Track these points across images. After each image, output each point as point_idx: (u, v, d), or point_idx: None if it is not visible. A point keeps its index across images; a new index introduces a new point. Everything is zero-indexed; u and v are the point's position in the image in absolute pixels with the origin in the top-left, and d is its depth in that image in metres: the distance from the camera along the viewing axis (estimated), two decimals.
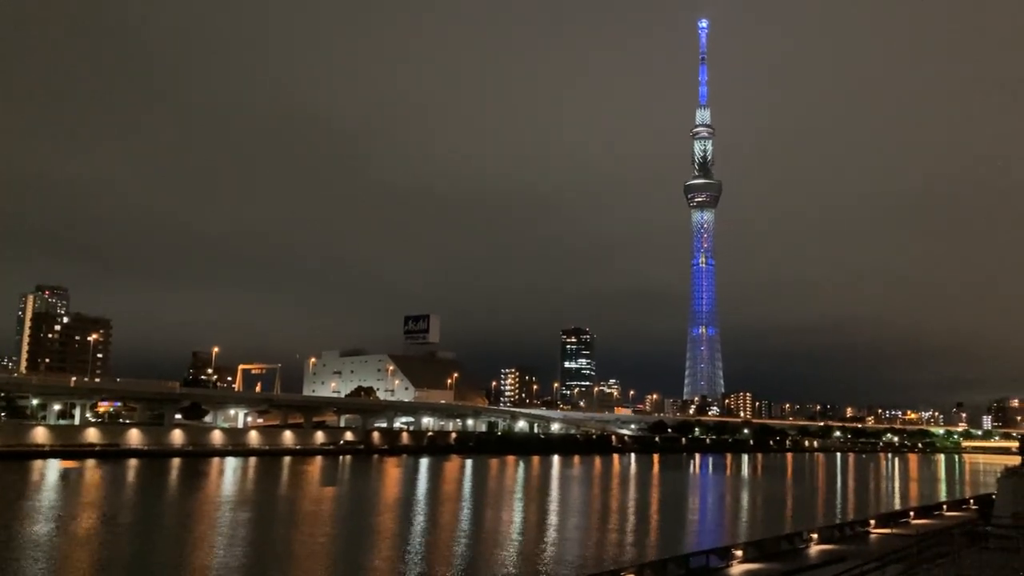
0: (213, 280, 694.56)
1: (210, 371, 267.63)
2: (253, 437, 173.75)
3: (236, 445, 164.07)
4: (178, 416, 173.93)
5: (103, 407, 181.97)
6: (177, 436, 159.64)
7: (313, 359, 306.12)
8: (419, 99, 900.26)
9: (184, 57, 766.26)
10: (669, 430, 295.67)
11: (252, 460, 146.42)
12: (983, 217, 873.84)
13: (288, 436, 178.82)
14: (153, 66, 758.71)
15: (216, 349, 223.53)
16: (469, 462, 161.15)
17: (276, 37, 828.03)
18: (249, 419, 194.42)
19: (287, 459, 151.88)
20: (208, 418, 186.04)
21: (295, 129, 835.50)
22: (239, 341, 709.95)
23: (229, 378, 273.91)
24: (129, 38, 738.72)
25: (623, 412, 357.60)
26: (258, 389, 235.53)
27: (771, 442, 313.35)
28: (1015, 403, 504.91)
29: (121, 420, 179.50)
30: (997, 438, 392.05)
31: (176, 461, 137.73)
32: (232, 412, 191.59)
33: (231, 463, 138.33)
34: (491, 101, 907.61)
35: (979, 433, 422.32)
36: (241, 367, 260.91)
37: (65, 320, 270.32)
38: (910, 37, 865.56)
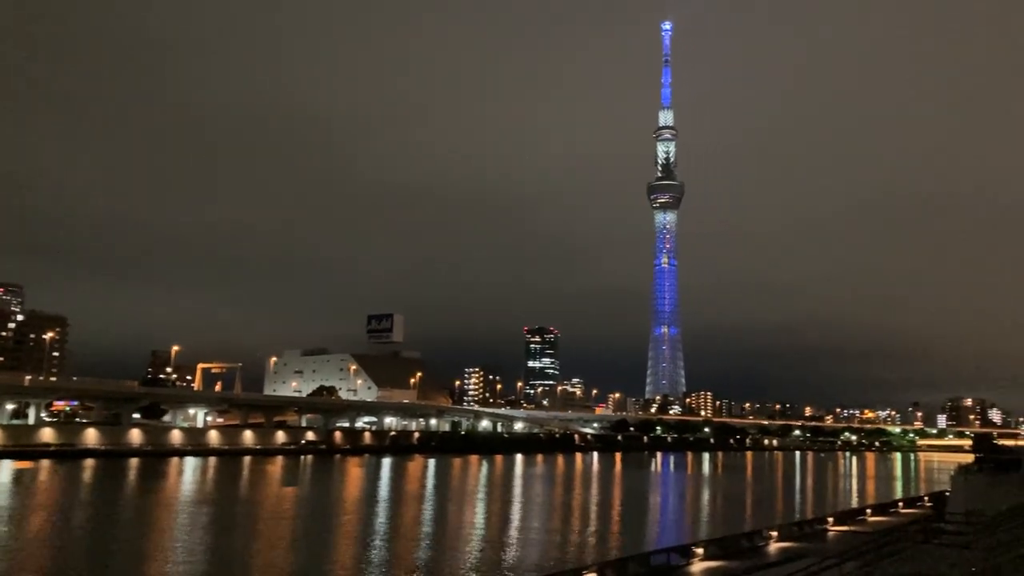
0: (173, 278, 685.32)
1: (169, 370, 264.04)
2: (213, 437, 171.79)
3: (196, 445, 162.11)
4: (136, 416, 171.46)
5: (58, 406, 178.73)
6: (135, 436, 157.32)
7: (274, 358, 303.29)
8: (382, 98, 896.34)
9: (156, 55, 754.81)
10: (631, 429, 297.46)
11: (212, 460, 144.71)
12: (941, 224, 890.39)
13: (248, 436, 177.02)
14: (118, 62, 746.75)
15: (176, 348, 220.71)
16: (432, 462, 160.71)
17: (244, 31, 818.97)
18: (209, 419, 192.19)
19: (247, 459, 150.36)
20: (167, 418, 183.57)
21: (254, 126, 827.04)
22: (199, 340, 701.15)
23: (189, 377, 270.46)
24: (107, 35, 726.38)
25: (587, 412, 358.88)
26: (218, 388, 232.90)
27: (731, 441, 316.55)
28: (968, 402, 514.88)
29: (77, 420, 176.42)
30: (951, 437, 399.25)
31: (134, 461, 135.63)
32: (192, 412, 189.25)
33: (190, 463, 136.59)
34: (456, 103, 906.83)
35: (934, 432, 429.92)
36: (201, 366, 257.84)
37: (20, 318, 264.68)
38: (875, 43, 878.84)
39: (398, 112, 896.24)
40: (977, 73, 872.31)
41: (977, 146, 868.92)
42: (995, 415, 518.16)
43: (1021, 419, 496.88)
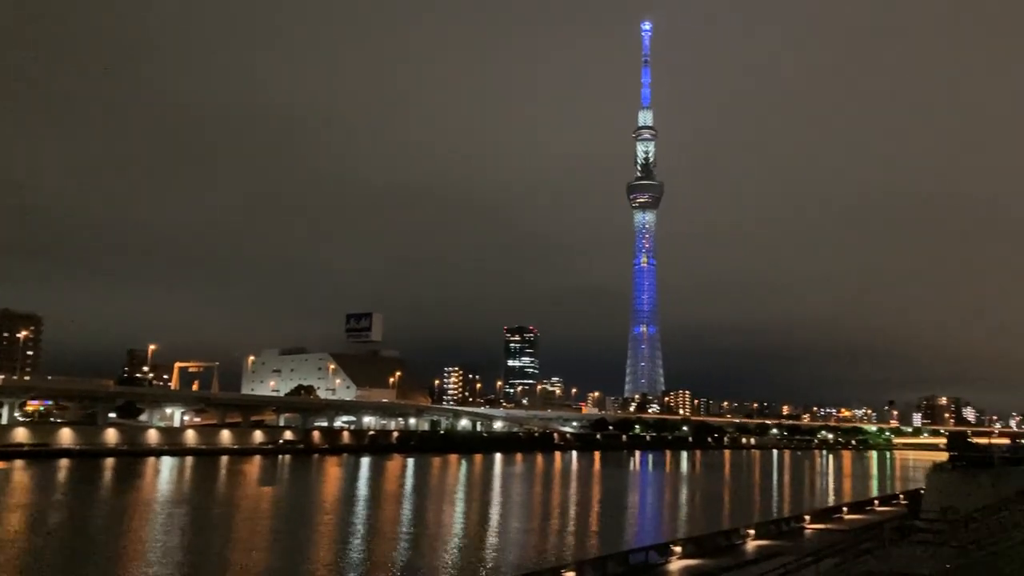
0: (150, 277, 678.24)
1: (146, 369, 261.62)
2: (190, 436, 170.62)
3: (172, 444, 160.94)
4: (112, 415, 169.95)
5: (32, 406, 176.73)
6: (111, 435, 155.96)
7: (252, 357, 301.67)
8: (363, 95, 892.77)
9: (132, 50, 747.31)
10: (610, 428, 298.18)
11: (189, 460, 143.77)
12: (917, 225, 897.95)
13: (226, 435, 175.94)
14: (101, 58, 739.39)
15: (153, 347, 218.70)
16: (411, 461, 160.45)
17: (213, 26, 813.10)
18: (186, 418, 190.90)
19: (225, 459, 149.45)
20: (144, 417, 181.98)
21: (231, 125, 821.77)
22: (176, 339, 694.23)
23: (166, 376, 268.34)
24: (97, 30, 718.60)
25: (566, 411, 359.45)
26: (195, 388, 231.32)
27: (709, 439, 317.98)
28: (943, 401, 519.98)
29: (52, 419, 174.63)
30: (926, 435, 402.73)
31: (110, 461, 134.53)
32: (168, 411, 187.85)
33: (167, 463, 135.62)
34: (436, 101, 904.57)
35: (909, 430, 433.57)
36: (178, 365, 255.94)
37: None
38: (855, 44, 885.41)
39: (377, 111, 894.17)
40: (936, 73, 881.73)
41: (951, 147, 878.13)
42: (969, 413, 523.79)
43: (995, 417, 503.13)
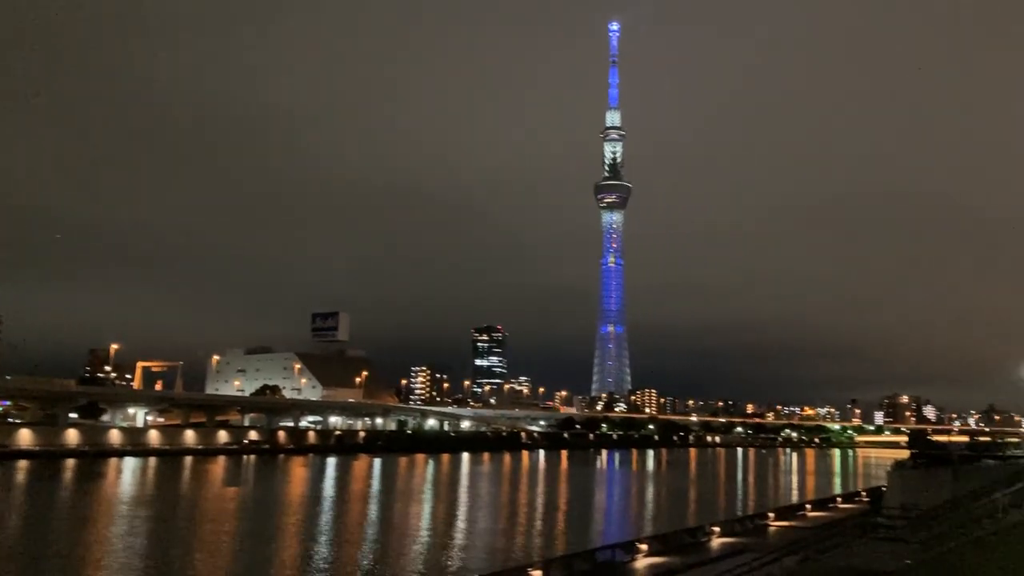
0: (113, 275, 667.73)
1: (108, 369, 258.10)
2: (153, 436, 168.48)
3: (135, 445, 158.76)
4: (74, 415, 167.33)
5: None
6: (72, 436, 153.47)
7: (216, 357, 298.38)
8: (328, 96, 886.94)
9: (90, 45, 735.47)
10: (577, 426, 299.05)
11: (152, 460, 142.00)
12: (878, 226, 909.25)
13: (190, 435, 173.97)
14: (56, 52, 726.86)
15: (115, 346, 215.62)
16: (378, 461, 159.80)
17: (159, 20, 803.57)
18: (149, 418, 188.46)
19: (189, 459, 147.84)
20: (106, 417, 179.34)
21: (193, 120, 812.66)
22: (139, 338, 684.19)
23: (128, 376, 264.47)
24: (54, 23, 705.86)
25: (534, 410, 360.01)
26: (159, 387, 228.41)
27: (675, 438, 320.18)
28: (904, 399, 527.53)
29: (11, 420, 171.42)
30: (888, 433, 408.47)
31: (71, 462, 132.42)
32: (131, 411, 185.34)
33: (130, 463, 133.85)
34: (402, 100, 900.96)
35: (871, 428, 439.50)
36: (141, 364, 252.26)
37: None
38: (825, 44, 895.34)
39: (340, 109, 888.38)
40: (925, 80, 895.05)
41: (912, 148, 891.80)
42: (930, 412, 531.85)
43: (954, 415, 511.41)
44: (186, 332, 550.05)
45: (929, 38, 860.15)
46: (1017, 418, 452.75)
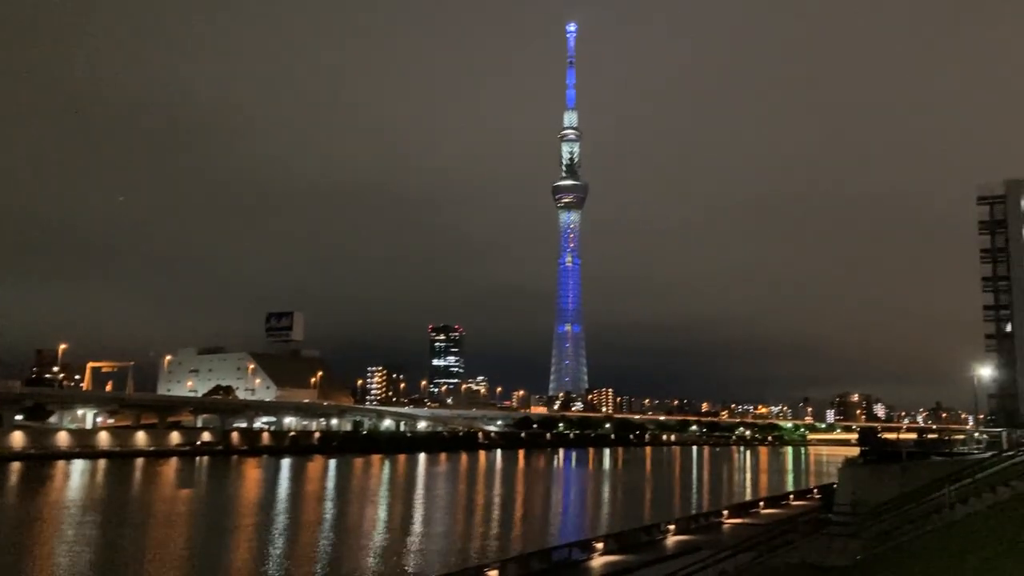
0: (60, 274, 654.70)
1: (56, 369, 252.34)
2: (103, 438, 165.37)
3: (84, 447, 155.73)
4: (19, 417, 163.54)
5: None
6: (17, 438, 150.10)
7: (168, 357, 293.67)
8: (286, 91, 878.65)
9: (38, 38, 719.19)
10: (535, 426, 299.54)
11: (102, 462, 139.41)
12: (832, 226, 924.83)
13: (141, 437, 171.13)
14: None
15: (63, 346, 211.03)
16: (333, 462, 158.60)
17: (134, 17, 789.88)
18: (99, 420, 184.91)
19: (140, 461, 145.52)
20: (54, 419, 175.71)
21: (148, 114, 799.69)
22: (88, 338, 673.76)
23: (77, 377, 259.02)
24: None
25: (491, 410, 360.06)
26: (109, 388, 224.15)
27: (631, 436, 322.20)
28: (855, 398, 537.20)
29: None
30: (839, 431, 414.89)
31: (16, 465, 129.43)
32: (80, 412, 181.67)
33: (78, 466, 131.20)
34: (361, 99, 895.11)
35: (823, 426, 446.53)
36: (90, 365, 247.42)
37: None
38: (773, 48, 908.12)
39: (296, 107, 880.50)
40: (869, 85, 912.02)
41: (861, 149, 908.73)
42: (880, 410, 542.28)
43: (903, 413, 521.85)
44: (137, 332, 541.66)
45: (875, 39, 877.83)
46: (963, 415, 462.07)
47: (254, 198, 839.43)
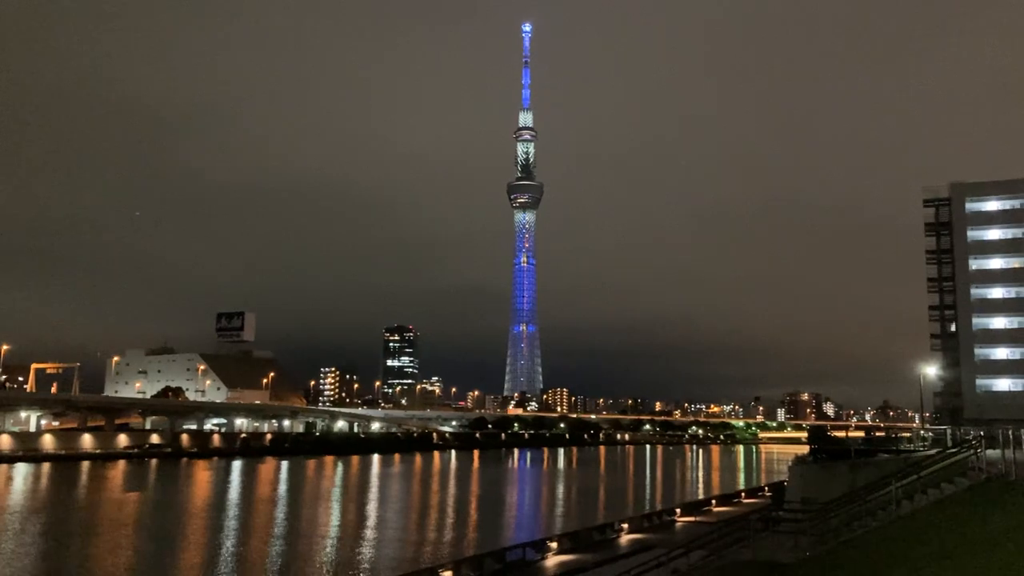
0: (3, 273, 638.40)
1: None
2: (47, 441, 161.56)
3: (27, 450, 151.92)
4: None
5: None
6: None
7: (116, 358, 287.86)
8: (238, 90, 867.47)
9: None
10: (489, 426, 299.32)
11: (46, 466, 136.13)
12: (784, 229, 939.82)
13: (87, 440, 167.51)
14: None
15: (6, 347, 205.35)
16: (285, 464, 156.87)
17: (76, 15, 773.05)
18: (44, 422, 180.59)
19: (86, 464, 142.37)
20: None
21: (97, 114, 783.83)
22: (33, 339, 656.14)
23: (21, 378, 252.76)
24: None
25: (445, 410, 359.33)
26: (54, 390, 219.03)
27: (586, 436, 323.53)
28: (805, 397, 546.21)
29: None
30: (790, 429, 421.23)
31: None
32: (23, 415, 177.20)
33: (21, 470, 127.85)
34: (316, 99, 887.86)
35: (774, 425, 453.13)
36: (34, 366, 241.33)
37: None
38: (731, 50, 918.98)
39: (248, 108, 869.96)
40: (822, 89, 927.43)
41: (810, 154, 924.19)
42: (829, 408, 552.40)
43: (851, 412, 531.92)
44: (83, 333, 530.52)
45: (826, 47, 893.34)
46: (911, 413, 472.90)
47: (204, 198, 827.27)
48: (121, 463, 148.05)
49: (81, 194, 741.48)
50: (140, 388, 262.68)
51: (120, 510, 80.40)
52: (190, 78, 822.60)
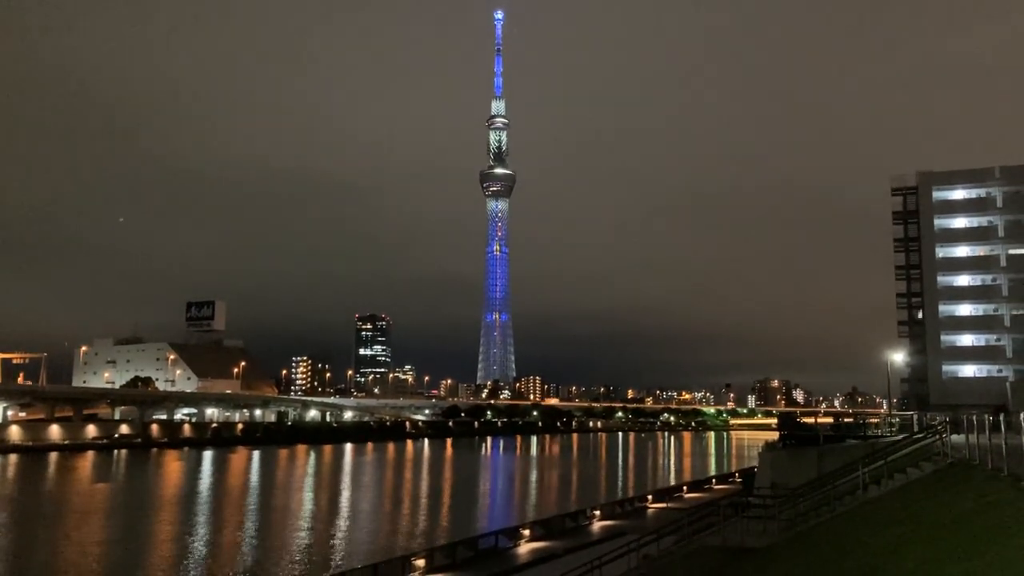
0: None
1: None
2: (14, 432, 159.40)
3: None
4: None
5: None
6: None
7: (84, 348, 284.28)
8: (208, 78, 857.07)
9: None
10: (462, 414, 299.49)
11: (12, 457, 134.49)
12: (754, 217, 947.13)
13: (55, 431, 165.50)
14: None
15: None
16: (256, 453, 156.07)
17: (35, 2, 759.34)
18: (10, 413, 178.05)
19: (54, 455, 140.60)
20: None
21: (61, 101, 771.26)
22: None
23: None
24: None
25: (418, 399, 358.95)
26: (21, 380, 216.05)
27: (559, 424, 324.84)
28: (775, 383, 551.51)
29: None
30: (760, 416, 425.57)
31: None
32: None
33: None
34: (287, 87, 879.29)
35: (745, 411, 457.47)
36: (0, 356, 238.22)
37: None
38: (698, 44, 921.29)
39: (218, 95, 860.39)
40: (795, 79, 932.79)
41: (783, 141, 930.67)
42: (799, 395, 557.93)
43: (821, 398, 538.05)
44: (50, 323, 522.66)
45: (796, 36, 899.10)
46: (878, 399, 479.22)
47: (174, 186, 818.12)
48: (90, 454, 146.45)
49: (46, 183, 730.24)
50: (109, 378, 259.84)
51: (88, 502, 79.52)
52: (160, 67, 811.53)
